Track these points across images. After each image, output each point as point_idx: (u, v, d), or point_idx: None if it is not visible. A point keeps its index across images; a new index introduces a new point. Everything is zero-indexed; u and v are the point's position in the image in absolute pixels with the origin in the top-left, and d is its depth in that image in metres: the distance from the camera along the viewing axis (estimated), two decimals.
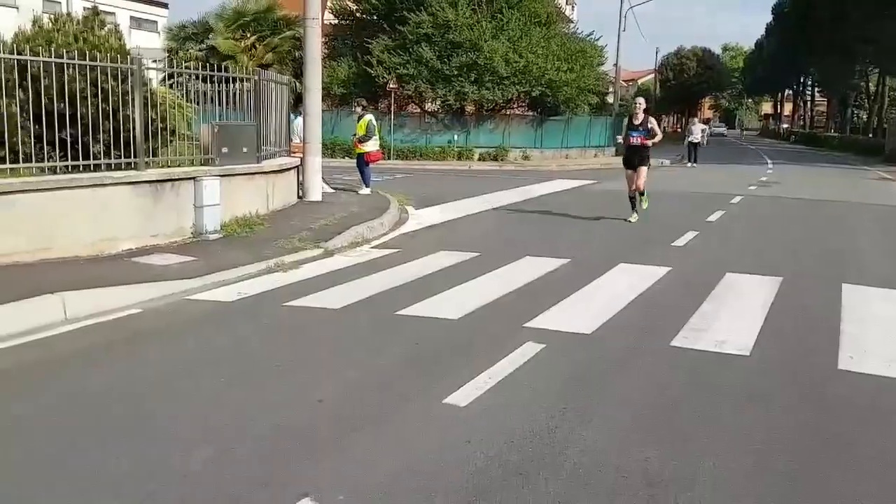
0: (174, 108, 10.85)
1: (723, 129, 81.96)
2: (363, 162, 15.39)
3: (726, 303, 6.75)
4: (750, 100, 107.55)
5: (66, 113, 8.28)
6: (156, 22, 43.27)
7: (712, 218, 13.05)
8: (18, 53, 8.11)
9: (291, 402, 4.32)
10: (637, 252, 9.22)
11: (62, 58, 8.22)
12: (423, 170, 25.43)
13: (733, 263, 8.56)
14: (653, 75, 70.24)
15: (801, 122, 75.34)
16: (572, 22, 40.01)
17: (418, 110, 31.45)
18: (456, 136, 30.09)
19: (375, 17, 30.35)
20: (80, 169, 8.33)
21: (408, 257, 8.78)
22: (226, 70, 11.01)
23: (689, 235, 10.76)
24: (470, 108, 30.75)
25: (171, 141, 10.23)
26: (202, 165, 9.88)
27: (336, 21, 31.64)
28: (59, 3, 35.47)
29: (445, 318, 6.09)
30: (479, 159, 29.51)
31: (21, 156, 7.96)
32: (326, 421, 4.05)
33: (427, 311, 6.32)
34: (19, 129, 8.04)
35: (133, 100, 8.88)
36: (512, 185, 18.80)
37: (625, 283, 7.46)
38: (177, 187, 9.15)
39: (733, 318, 6.24)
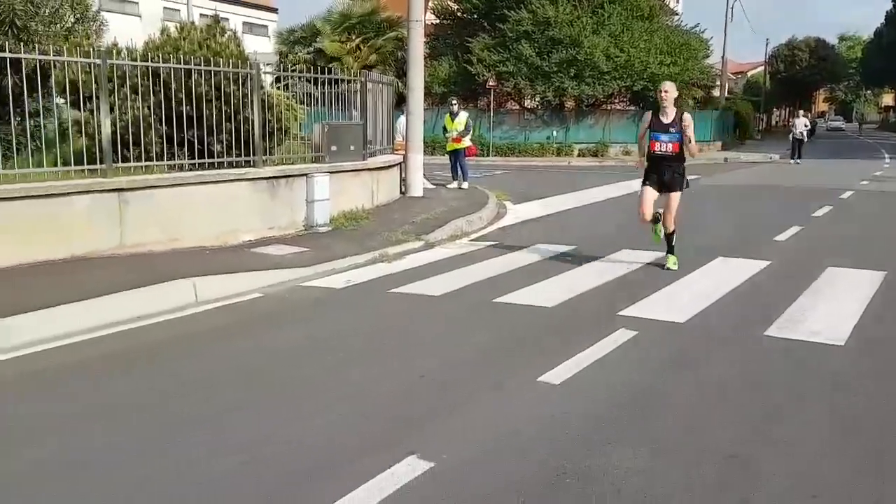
0: (287, 109, 11.55)
1: (840, 123, 77.79)
2: (462, 157, 15.86)
3: (825, 296, 6.72)
4: (869, 91, 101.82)
5: (192, 115, 9.03)
6: (266, 26, 45.16)
7: (818, 213, 12.73)
8: (151, 61, 8.93)
9: (397, 376, 4.72)
10: (736, 246, 9.20)
11: (189, 64, 8.96)
12: (522, 166, 25.67)
13: (836, 258, 8.43)
14: (762, 67, 67.64)
15: None
16: (677, 14, 39.18)
17: (517, 107, 31.69)
18: (555, 133, 30.16)
19: (475, 16, 30.80)
20: (206, 167, 9.07)
21: (505, 250, 9.09)
22: (331, 71, 11.61)
23: (793, 230, 10.60)
24: (569, 103, 30.76)
25: (283, 140, 10.92)
26: (313, 163, 10.50)
27: (437, 21, 32.26)
28: (178, 10, 37.71)
29: (541, 306, 6.37)
30: (579, 155, 29.47)
31: (151, 155, 8.75)
32: (428, 393, 4.42)
33: (523, 299, 6.62)
34: (152, 130, 8.85)
35: (252, 102, 9.56)
36: (611, 181, 18.79)
37: (722, 276, 7.52)
38: (290, 183, 9.79)
39: (831, 310, 6.24)
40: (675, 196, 7.69)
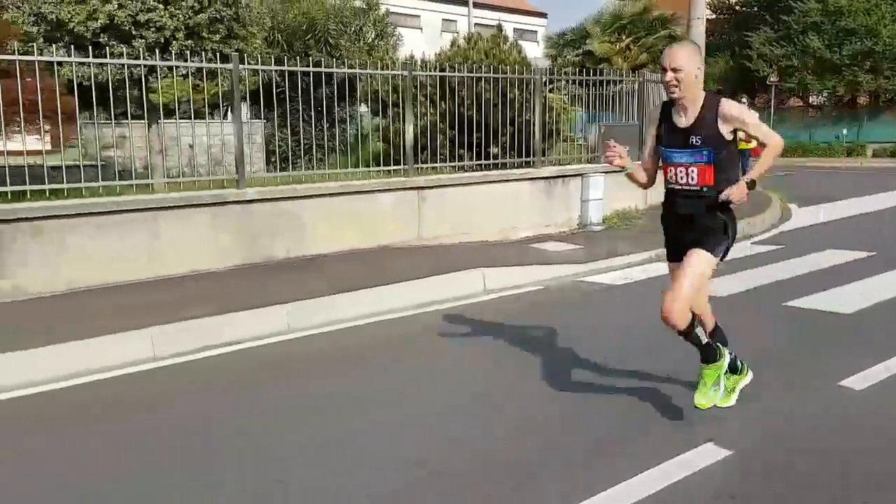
0: (561, 112, 11.97)
1: None
2: (748, 158, 15.21)
3: None
4: None
5: (479, 120, 9.73)
6: (535, 31, 46.31)
7: None
8: (442, 70, 9.77)
9: (688, 368, 4.80)
10: None
11: (478, 72, 9.67)
12: (806, 167, 23.84)
13: None
14: None
15: None
16: None
17: (800, 103, 29.46)
18: (845, 131, 27.58)
19: (756, 9, 29.18)
20: (490, 167, 9.72)
21: (792, 253, 8.66)
22: (601, 73, 11.79)
23: None
24: (862, 99, 27.97)
25: (556, 141, 11.35)
26: (588, 163, 10.78)
27: (713, 16, 31.01)
28: (455, 21, 40.02)
29: (837, 312, 6.06)
30: (874, 156, 26.66)
31: (440, 157, 9.59)
32: None
33: (817, 303, 6.32)
34: (445, 135, 9.69)
35: (534, 106, 10.06)
36: None
37: None
38: (566, 183, 10.15)
39: None
40: (699, 257, 3.76)
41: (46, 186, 6.73)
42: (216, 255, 7.40)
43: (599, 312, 6.50)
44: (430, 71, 10.00)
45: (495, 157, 10.01)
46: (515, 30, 45.49)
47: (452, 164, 9.65)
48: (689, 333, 3.78)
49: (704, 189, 3.76)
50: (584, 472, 3.41)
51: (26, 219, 6.38)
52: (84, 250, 6.68)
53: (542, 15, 47.82)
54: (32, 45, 7.15)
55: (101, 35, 7.75)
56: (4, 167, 6.43)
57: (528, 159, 10.09)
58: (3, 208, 6.31)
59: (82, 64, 7.40)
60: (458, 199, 9.14)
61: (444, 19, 40.60)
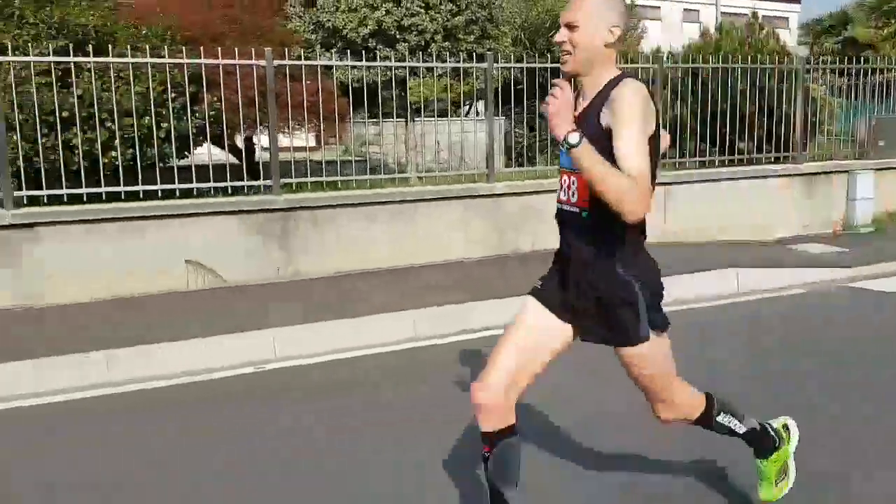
0: (825, 104, 11.05)
1: None
2: None
3: None
4: None
5: (728, 113, 9.26)
6: (786, 18, 43.04)
7: None
8: (693, 62, 9.43)
9: None
10: None
11: (732, 62, 9.21)
12: None
13: None
14: None
15: None
16: None
17: None
18: None
19: None
20: (737, 163, 9.24)
21: None
22: (867, 61, 10.68)
23: None
24: None
25: (815, 135, 10.50)
26: (856, 159, 9.88)
27: None
28: (697, 10, 38.32)
29: None
30: None
31: (688, 151, 9.24)
32: None
33: None
34: (695, 130, 9.35)
35: (794, 98, 9.40)
36: None
37: None
38: (829, 180, 9.39)
39: None
40: (635, 354, 2.51)
41: (323, 178, 7.46)
42: (466, 246, 7.76)
43: (869, 320, 5.96)
44: (680, 63, 9.69)
45: (741, 151, 9.48)
46: (764, 17, 42.66)
47: (701, 158, 9.29)
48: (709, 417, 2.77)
49: (584, 213, 2.39)
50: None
51: (307, 207, 7.13)
52: (352, 237, 7.32)
53: (796, 0, 44.33)
54: (313, 51, 7.95)
55: (370, 40, 8.43)
56: (290, 161, 7.22)
57: (784, 154, 9.45)
58: (289, 198, 7.11)
59: (354, 67, 8.12)
60: (705, 195, 8.80)
61: (684, 10, 39.02)
